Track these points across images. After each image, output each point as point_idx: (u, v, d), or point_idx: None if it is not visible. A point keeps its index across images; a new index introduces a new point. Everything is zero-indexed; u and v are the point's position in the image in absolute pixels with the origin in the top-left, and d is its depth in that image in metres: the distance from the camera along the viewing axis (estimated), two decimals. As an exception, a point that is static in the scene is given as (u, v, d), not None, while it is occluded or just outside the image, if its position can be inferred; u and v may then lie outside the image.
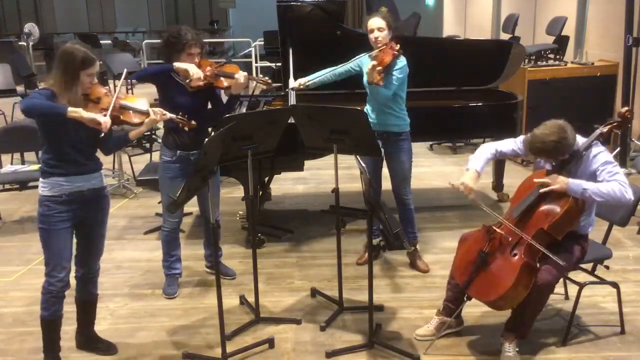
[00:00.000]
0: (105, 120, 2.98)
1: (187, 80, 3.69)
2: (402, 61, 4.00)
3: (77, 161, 3.09)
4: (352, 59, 4.19)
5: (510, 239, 3.15)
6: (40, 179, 3.12)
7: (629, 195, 3.00)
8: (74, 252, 3.28)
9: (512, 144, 3.39)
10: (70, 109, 2.92)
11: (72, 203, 3.11)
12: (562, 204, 3.07)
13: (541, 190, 3.11)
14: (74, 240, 3.25)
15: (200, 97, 3.84)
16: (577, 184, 3.04)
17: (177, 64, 3.68)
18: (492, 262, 3.17)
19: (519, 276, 3.03)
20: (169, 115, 3.34)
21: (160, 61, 4.04)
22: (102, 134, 3.00)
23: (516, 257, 3.09)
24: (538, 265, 3.09)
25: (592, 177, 3.10)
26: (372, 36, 4.01)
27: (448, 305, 3.45)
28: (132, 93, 9.66)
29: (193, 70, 3.66)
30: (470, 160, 3.37)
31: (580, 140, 3.18)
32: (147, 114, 3.24)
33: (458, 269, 3.34)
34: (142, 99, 3.33)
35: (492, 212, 3.24)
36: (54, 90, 3.01)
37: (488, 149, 3.40)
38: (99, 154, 3.25)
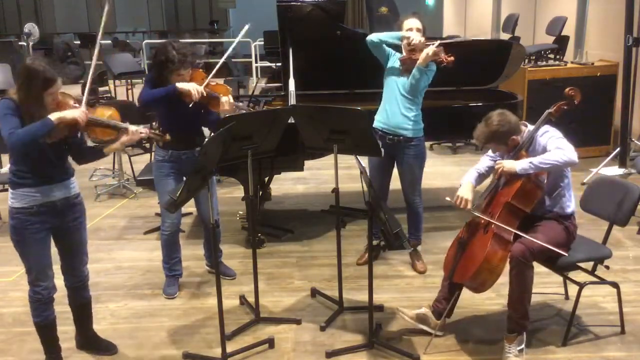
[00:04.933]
0: (80, 114, 2.88)
1: (189, 101, 3.65)
2: (433, 66, 4.00)
3: (46, 173, 2.98)
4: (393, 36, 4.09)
5: (482, 221, 3.33)
6: (10, 190, 3.02)
7: (570, 155, 3.16)
8: (59, 261, 3.23)
9: (486, 158, 3.63)
10: (54, 117, 2.83)
11: (44, 214, 3.02)
12: (517, 178, 3.25)
13: (496, 178, 3.37)
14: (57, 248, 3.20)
15: (196, 107, 3.80)
16: (524, 161, 3.23)
17: (179, 85, 3.64)
18: (468, 245, 3.35)
19: (491, 248, 3.18)
20: (144, 132, 3.27)
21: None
22: (79, 133, 2.97)
23: (488, 233, 3.25)
24: (512, 239, 3.23)
25: (545, 152, 3.27)
26: (408, 34, 3.99)
27: (435, 304, 3.50)
28: (132, 93, 9.67)
29: (193, 89, 3.62)
30: (464, 177, 3.57)
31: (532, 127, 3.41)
32: (117, 130, 3.14)
33: (445, 265, 3.51)
34: (113, 113, 3.21)
35: (474, 212, 3.37)
36: (16, 102, 2.90)
37: (471, 171, 3.59)
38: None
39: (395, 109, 4.11)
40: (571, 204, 3.40)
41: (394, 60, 4.11)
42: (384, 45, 4.12)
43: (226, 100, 3.75)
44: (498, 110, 3.37)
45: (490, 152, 3.57)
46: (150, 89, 3.78)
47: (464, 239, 3.37)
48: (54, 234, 3.14)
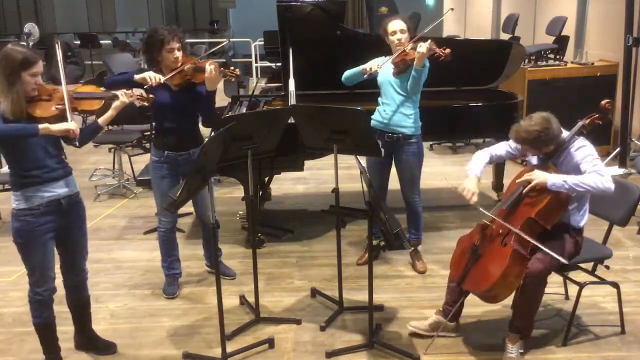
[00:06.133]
0: (74, 126, 2.90)
1: (145, 87, 3.59)
2: (426, 61, 3.99)
3: (48, 166, 2.98)
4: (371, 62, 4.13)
5: (500, 230, 3.22)
6: (12, 193, 3.00)
7: (609, 184, 3.05)
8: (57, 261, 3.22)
9: (505, 147, 3.49)
10: (40, 126, 2.84)
11: (51, 214, 3.01)
12: (545, 194, 3.14)
13: (524, 191, 3.19)
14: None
15: (184, 96, 3.80)
16: (558, 177, 3.10)
17: (136, 76, 3.61)
18: (484, 254, 3.25)
19: (509, 264, 3.09)
20: (135, 93, 3.29)
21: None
22: (76, 142, 2.95)
23: (506, 247, 3.15)
24: (529, 255, 3.15)
25: (576, 169, 3.16)
26: (394, 38, 4.01)
27: (447, 308, 3.46)
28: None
29: (150, 75, 3.58)
30: (469, 167, 3.45)
31: (566, 134, 3.26)
32: (104, 98, 3.17)
33: (454, 267, 3.41)
34: (94, 88, 3.29)
35: (485, 212, 3.29)
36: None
37: (483, 154, 3.50)
38: (78, 154, 3.19)
39: (393, 109, 4.11)
40: (585, 218, 3.34)
41: (384, 66, 4.10)
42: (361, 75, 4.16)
43: (210, 67, 3.63)
44: (546, 114, 3.19)
45: (512, 143, 3.41)
46: (128, 77, 3.78)
47: (478, 245, 3.26)
48: (57, 235, 3.13)
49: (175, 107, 3.79)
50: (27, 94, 2.92)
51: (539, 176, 3.13)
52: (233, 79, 3.83)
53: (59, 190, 3.04)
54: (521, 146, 3.30)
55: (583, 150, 3.17)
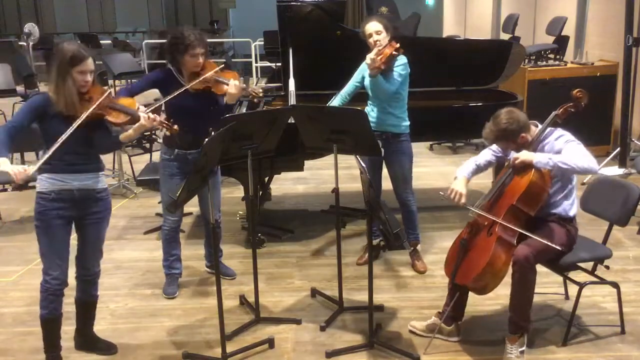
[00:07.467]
0: (12, 172, 2.84)
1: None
2: (402, 59, 4.02)
3: (65, 160, 3.06)
4: (354, 76, 4.18)
5: (486, 222, 3.27)
6: (37, 175, 3.13)
7: (593, 164, 3.10)
8: (75, 252, 3.28)
9: (489, 151, 3.55)
10: (2, 161, 2.85)
11: (62, 201, 3.09)
12: (525, 178, 3.18)
13: (515, 163, 3.21)
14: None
15: (202, 100, 3.82)
16: (543, 155, 3.17)
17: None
18: (472, 247, 3.30)
19: (495, 251, 3.14)
20: (158, 119, 3.26)
21: (161, 61, 4.00)
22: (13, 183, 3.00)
23: (491, 236, 3.20)
24: (516, 243, 3.19)
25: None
26: (371, 40, 4.02)
27: (445, 309, 3.47)
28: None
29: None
30: (459, 170, 3.50)
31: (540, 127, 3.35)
32: (132, 116, 3.18)
33: (447, 266, 3.45)
34: (133, 102, 3.31)
35: (470, 208, 3.32)
36: (50, 95, 3.01)
37: (471, 161, 3.55)
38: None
39: (379, 109, 4.14)
40: (574, 207, 3.36)
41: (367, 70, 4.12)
42: (353, 86, 4.20)
43: (234, 83, 3.71)
44: (507, 108, 3.31)
45: (493, 146, 3.49)
46: (140, 85, 3.88)
47: (466, 239, 3.32)
48: (75, 225, 3.21)
49: (191, 110, 3.78)
50: (78, 89, 3.03)
51: (522, 155, 3.18)
52: (256, 100, 3.84)
53: (72, 182, 3.11)
54: (497, 145, 3.37)
55: (562, 138, 3.25)
